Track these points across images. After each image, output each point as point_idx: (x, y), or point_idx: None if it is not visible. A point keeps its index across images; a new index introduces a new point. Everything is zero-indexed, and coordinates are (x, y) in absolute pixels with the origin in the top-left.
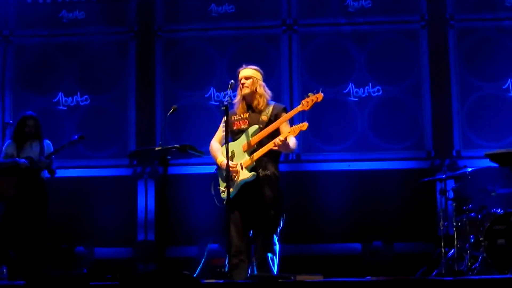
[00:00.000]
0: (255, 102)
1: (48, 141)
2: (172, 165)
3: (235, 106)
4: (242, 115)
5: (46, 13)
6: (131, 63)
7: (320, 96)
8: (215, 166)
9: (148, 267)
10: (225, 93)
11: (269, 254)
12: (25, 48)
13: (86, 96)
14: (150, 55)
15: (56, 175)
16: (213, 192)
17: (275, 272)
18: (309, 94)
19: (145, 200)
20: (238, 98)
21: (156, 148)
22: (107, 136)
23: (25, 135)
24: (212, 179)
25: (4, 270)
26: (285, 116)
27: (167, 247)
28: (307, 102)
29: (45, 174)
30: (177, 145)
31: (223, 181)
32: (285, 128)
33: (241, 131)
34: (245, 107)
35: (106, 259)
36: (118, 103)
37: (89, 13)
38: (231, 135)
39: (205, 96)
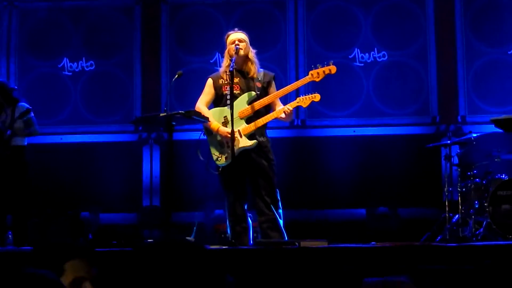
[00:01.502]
0: (246, 68)
1: (21, 104)
2: (177, 130)
3: (221, 70)
4: (230, 80)
5: None
6: (137, 28)
7: (333, 68)
8: (201, 132)
9: (153, 233)
10: (231, 58)
11: (280, 211)
12: (30, 13)
13: (91, 62)
14: (156, 20)
15: (36, 141)
16: (201, 159)
17: (284, 232)
18: (318, 65)
19: (150, 165)
20: (226, 62)
21: (161, 114)
22: (112, 102)
23: None
24: (198, 145)
25: (10, 236)
26: (292, 85)
27: (172, 213)
28: (318, 73)
29: (22, 141)
30: (182, 111)
31: (216, 147)
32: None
33: (233, 97)
34: (234, 71)
35: (111, 224)
36: (124, 69)
37: None
38: (219, 99)
39: (211, 61)
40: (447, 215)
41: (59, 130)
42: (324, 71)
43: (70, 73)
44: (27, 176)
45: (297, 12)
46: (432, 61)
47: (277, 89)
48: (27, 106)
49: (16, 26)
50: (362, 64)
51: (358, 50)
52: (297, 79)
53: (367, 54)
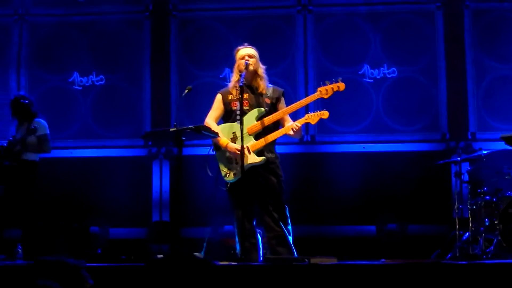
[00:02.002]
0: (256, 83)
1: (37, 120)
2: (187, 146)
3: (230, 85)
4: (239, 96)
5: None
6: (146, 43)
7: (342, 85)
8: (210, 147)
9: (162, 248)
10: (240, 73)
11: (289, 227)
12: (40, 27)
13: (101, 76)
14: (165, 34)
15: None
16: (210, 174)
17: (294, 248)
18: (327, 82)
19: (160, 180)
20: (235, 78)
21: (171, 129)
22: (122, 117)
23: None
24: (207, 160)
25: (20, 250)
26: (301, 102)
27: (181, 228)
28: (326, 90)
29: (34, 155)
30: (192, 126)
31: (225, 163)
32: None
33: (242, 112)
34: (243, 87)
35: (121, 239)
36: (133, 83)
37: None
38: (228, 115)
39: (220, 76)
40: (457, 232)
41: (69, 144)
42: (332, 88)
43: (80, 88)
44: (34, 190)
45: (306, 27)
46: (441, 77)
47: (286, 105)
48: (43, 122)
49: (27, 40)
50: (372, 80)
51: (368, 66)
52: (306, 94)
53: (376, 70)
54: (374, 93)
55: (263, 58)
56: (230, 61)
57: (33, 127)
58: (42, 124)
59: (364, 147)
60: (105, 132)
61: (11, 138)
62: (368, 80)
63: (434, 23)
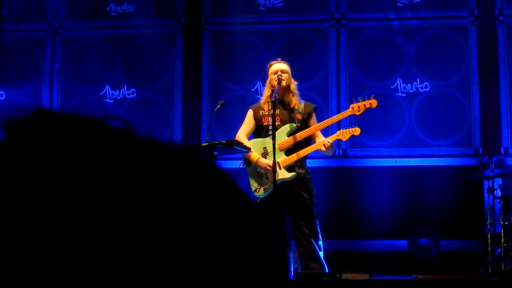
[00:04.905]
0: (287, 99)
1: None
2: (219, 159)
3: (261, 101)
4: (271, 111)
5: (94, 6)
6: (178, 56)
7: (374, 102)
8: (241, 161)
9: None
10: (273, 88)
11: (320, 243)
12: (73, 41)
13: (133, 89)
14: (198, 48)
15: None
16: None
17: (325, 264)
18: (359, 98)
19: None
20: (267, 93)
21: (203, 144)
22: (153, 130)
23: None
24: (237, 175)
25: None
26: (333, 119)
27: None
28: (358, 107)
29: None
30: (224, 141)
31: (255, 178)
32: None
33: (274, 127)
34: (276, 102)
35: None
36: (165, 97)
37: (137, 6)
38: (259, 130)
39: (252, 89)
40: (489, 248)
41: None
42: (364, 105)
43: (112, 101)
44: None
45: (339, 41)
46: (475, 92)
47: (318, 120)
48: None
49: (60, 53)
50: (404, 95)
51: (401, 80)
52: (339, 108)
53: (409, 84)
54: (407, 108)
55: (296, 72)
56: (262, 75)
57: None
58: None
59: (396, 162)
60: None
61: None
62: (400, 94)
63: (467, 38)
